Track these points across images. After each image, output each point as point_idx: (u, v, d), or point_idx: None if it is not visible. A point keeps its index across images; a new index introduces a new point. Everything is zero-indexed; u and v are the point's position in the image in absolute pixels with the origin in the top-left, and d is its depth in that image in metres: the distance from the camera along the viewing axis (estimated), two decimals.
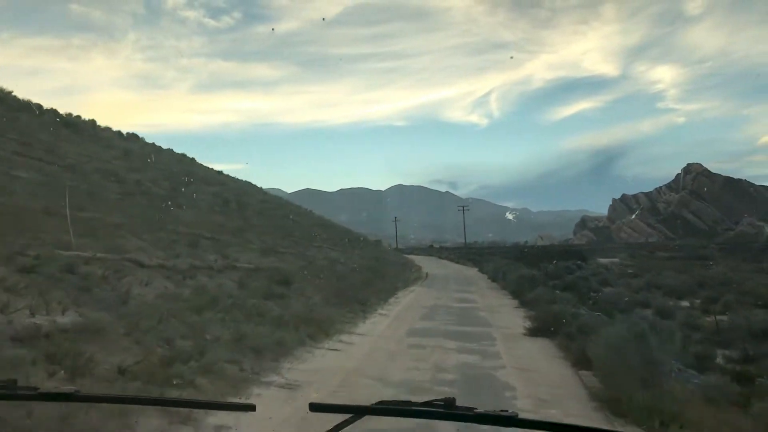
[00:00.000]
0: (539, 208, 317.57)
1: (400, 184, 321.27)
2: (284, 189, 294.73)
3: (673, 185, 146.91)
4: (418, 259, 62.25)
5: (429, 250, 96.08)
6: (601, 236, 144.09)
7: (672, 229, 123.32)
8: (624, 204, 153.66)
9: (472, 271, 51.31)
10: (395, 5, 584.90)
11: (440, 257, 75.03)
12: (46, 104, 30.77)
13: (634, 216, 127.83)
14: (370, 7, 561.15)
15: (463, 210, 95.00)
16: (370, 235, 76.45)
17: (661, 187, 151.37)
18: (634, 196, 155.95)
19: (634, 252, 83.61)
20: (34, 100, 29.11)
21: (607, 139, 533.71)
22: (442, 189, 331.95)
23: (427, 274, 42.48)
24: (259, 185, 51.41)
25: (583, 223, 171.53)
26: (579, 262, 54.63)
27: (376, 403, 1.83)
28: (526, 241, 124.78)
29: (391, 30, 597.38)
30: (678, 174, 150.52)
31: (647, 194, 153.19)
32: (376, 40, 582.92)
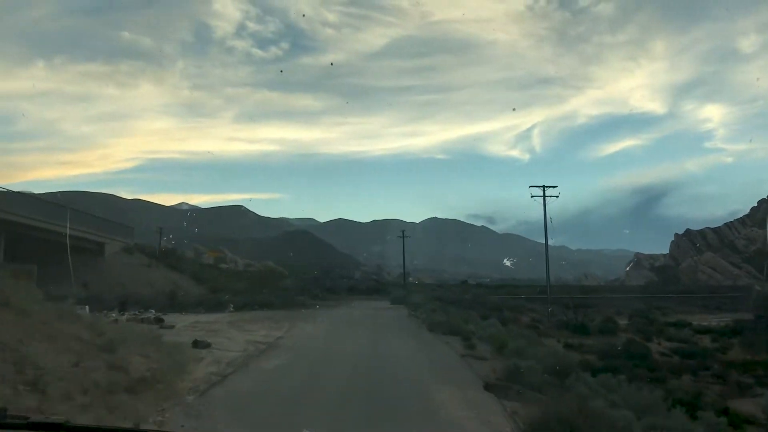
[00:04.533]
0: (578, 245, 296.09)
1: (434, 217, 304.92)
2: (317, 218, 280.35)
3: (748, 220, 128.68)
4: None
5: (461, 289, 62.14)
6: (663, 277, 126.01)
7: (759, 268, 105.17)
8: (689, 241, 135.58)
9: None
10: (439, 38, 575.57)
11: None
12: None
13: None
14: (414, 40, 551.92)
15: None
16: (397, 267, 61.10)
17: (732, 222, 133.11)
18: (700, 231, 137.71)
19: None
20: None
21: (651, 178, 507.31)
22: (479, 224, 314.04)
23: None
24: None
25: (639, 262, 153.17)
26: None
27: None
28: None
29: (433, 63, 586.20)
30: (754, 207, 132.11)
31: (715, 230, 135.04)
32: (419, 72, 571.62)
